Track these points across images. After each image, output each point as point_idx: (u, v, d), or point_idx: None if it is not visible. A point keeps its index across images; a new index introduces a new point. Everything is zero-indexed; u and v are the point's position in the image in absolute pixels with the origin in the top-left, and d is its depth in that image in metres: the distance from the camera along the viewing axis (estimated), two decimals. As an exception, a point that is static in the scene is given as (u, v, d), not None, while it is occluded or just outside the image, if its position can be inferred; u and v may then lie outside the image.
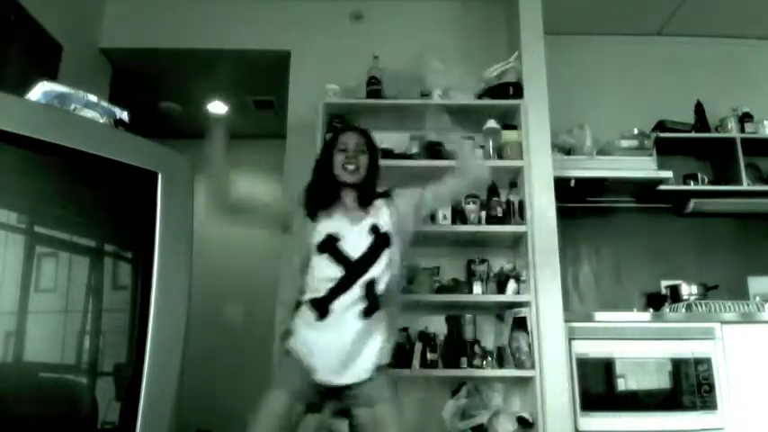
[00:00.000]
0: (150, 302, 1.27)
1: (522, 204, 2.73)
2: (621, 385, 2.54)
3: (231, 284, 4.17)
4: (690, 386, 2.52)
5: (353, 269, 1.74)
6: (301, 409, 1.72)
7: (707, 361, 2.54)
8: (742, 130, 3.16)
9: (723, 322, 2.60)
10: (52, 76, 2.62)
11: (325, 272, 1.75)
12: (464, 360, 2.54)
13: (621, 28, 3.49)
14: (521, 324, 2.56)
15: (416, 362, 2.53)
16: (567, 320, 2.56)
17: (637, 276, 3.19)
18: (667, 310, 2.87)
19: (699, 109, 3.26)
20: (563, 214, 2.79)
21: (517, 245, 2.81)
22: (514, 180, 2.85)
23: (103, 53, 3.31)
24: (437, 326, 2.69)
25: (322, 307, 1.72)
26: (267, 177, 4.36)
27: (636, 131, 3.15)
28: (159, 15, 3.32)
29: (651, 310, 2.94)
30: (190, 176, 1.44)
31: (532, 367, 2.47)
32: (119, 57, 3.37)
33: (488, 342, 2.73)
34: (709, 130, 3.22)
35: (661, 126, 3.19)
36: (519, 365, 2.51)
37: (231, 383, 3.92)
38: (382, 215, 1.85)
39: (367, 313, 1.71)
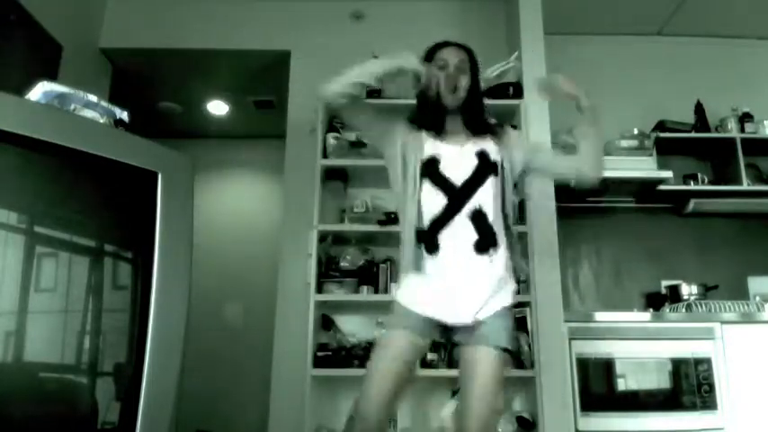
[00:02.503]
0: (150, 302, 1.27)
1: (522, 204, 2.73)
2: (621, 385, 2.54)
3: (230, 283, 4.17)
4: (690, 386, 2.52)
5: (457, 196, 1.59)
6: (426, 344, 1.62)
7: (707, 361, 2.54)
8: (742, 130, 3.16)
9: (723, 322, 2.60)
10: (52, 76, 2.62)
11: (427, 199, 1.61)
12: (464, 360, 2.55)
13: (621, 28, 3.49)
14: (521, 324, 2.56)
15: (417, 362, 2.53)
16: (567, 320, 2.56)
17: (637, 276, 3.19)
18: (667, 310, 2.87)
19: (699, 109, 3.26)
20: (563, 214, 2.79)
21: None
22: (514, 180, 2.85)
23: (103, 53, 3.31)
24: (437, 326, 2.69)
25: (429, 241, 1.58)
26: (267, 177, 4.37)
27: (636, 131, 3.15)
28: (159, 15, 3.32)
29: (651, 310, 2.94)
30: (190, 176, 1.44)
31: (532, 367, 2.47)
32: (119, 57, 3.37)
33: (488, 342, 2.73)
34: (709, 130, 3.22)
35: (661, 126, 3.19)
36: (519, 365, 2.51)
37: (231, 383, 3.94)
38: (489, 144, 1.69)
39: (480, 247, 1.56)
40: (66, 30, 2.85)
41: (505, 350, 1.56)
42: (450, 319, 1.57)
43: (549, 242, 2.64)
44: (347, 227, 2.77)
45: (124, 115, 1.48)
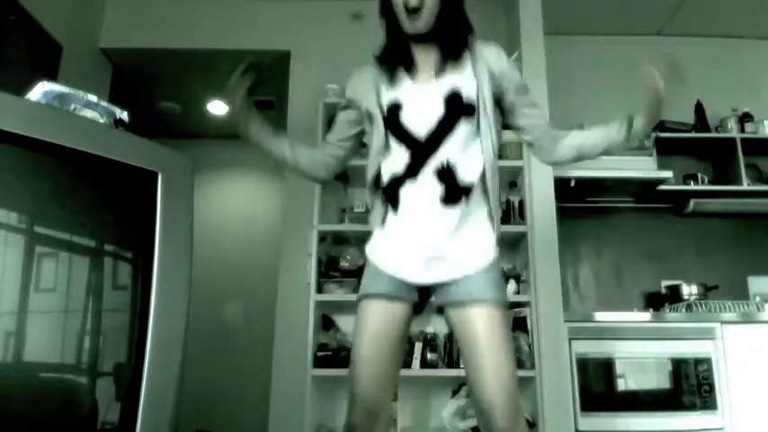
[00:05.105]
0: (150, 302, 1.27)
1: (522, 204, 2.73)
2: (621, 385, 2.54)
3: (230, 283, 4.17)
4: (690, 386, 2.52)
5: (421, 151, 1.34)
6: (409, 307, 1.39)
7: (707, 361, 2.54)
8: (742, 130, 3.16)
9: (723, 322, 2.60)
10: (52, 76, 2.63)
11: (391, 155, 1.39)
12: (464, 360, 2.55)
13: (621, 28, 3.49)
14: (521, 324, 2.56)
15: (416, 362, 2.53)
16: (567, 320, 2.57)
17: (637, 276, 3.19)
18: (667, 310, 2.87)
19: (699, 109, 3.26)
20: (563, 214, 2.79)
21: (517, 245, 2.81)
22: (514, 180, 2.85)
23: (103, 53, 3.31)
24: (437, 326, 2.69)
25: (391, 197, 1.39)
26: (267, 177, 4.37)
27: (636, 131, 3.15)
28: (159, 15, 3.32)
29: (651, 310, 2.94)
30: (190, 176, 1.44)
31: (532, 367, 2.47)
32: (119, 57, 3.37)
33: (488, 342, 2.73)
34: (709, 130, 3.22)
35: (661, 126, 3.19)
36: (519, 365, 2.50)
37: (231, 383, 3.94)
38: (465, 76, 1.40)
39: (448, 198, 1.33)
40: (66, 30, 2.85)
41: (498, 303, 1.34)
42: (417, 278, 1.36)
43: (549, 242, 2.64)
44: (347, 227, 2.77)
45: (124, 115, 1.48)
